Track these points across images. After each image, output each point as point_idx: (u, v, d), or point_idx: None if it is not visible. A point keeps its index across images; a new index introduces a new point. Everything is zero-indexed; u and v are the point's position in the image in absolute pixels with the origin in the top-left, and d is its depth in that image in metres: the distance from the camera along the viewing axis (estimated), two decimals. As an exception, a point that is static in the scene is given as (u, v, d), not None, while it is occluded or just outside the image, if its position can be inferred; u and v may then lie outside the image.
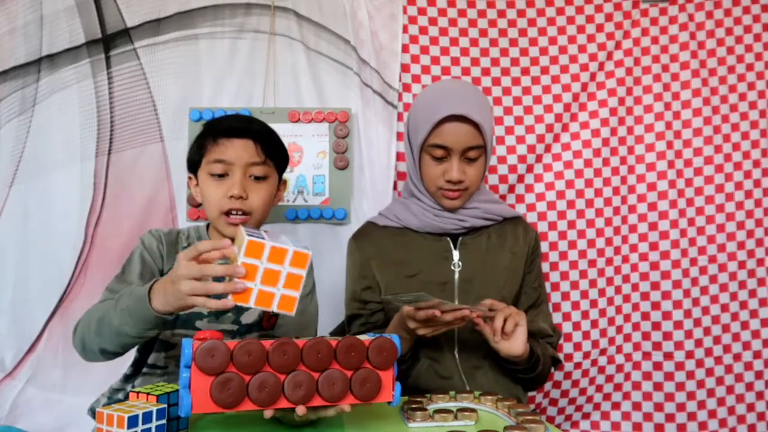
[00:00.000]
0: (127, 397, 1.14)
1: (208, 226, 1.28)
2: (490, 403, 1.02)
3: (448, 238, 1.32)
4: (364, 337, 0.87)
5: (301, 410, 0.82)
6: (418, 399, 1.02)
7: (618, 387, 1.80)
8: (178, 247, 1.23)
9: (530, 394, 1.70)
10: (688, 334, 1.76)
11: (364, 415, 0.98)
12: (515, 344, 1.14)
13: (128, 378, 1.23)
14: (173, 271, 0.91)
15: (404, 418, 0.95)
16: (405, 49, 1.78)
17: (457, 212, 1.31)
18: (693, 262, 1.77)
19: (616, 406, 1.80)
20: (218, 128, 1.22)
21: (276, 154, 1.25)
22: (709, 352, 1.76)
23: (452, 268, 1.29)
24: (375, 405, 0.88)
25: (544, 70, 1.80)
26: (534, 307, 1.34)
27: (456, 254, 1.30)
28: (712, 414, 1.76)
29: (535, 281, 1.36)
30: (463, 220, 1.31)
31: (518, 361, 1.19)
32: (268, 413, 0.82)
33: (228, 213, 1.19)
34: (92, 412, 1.24)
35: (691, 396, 1.75)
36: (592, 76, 1.80)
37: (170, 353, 1.21)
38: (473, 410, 0.96)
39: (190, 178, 1.28)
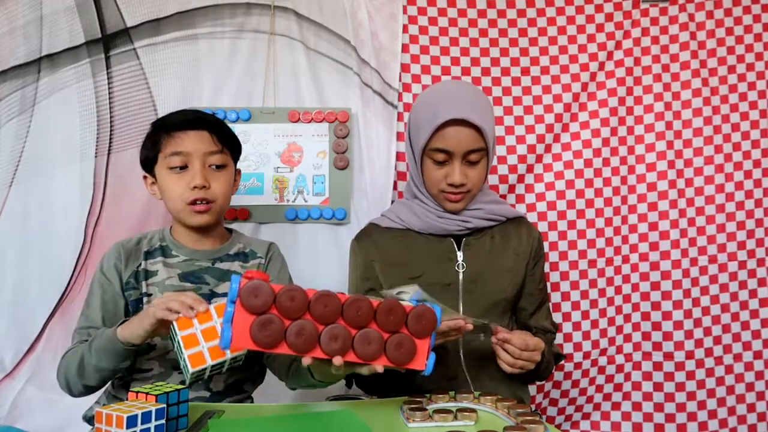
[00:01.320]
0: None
1: (170, 228, 1.30)
2: (490, 403, 1.02)
3: (452, 239, 1.31)
4: (406, 303, 0.88)
5: (338, 361, 0.83)
6: (418, 399, 1.02)
7: (618, 387, 1.80)
8: (139, 252, 1.25)
9: (531, 393, 1.70)
10: (689, 335, 1.76)
11: (364, 414, 0.98)
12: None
13: (120, 387, 1.23)
14: (162, 300, 1.02)
15: (404, 418, 0.95)
16: (405, 49, 1.78)
17: (460, 213, 1.31)
18: (693, 262, 1.77)
19: (616, 406, 1.80)
20: (171, 123, 1.23)
21: (230, 143, 1.27)
22: (709, 352, 1.76)
23: (456, 269, 1.29)
24: (378, 401, 0.88)
25: (544, 70, 1.80)
26: (538, 308, 1.35)
27: (460, 255, 1.30)
28: (712, 414, 1.75)
29: (540, 282, 1.36)
30: (466, 221, 1.30)
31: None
32: (306, 360, 0.83)
33: (192, 203, 1.21)
34: (86, 419, 1.25)
35: (691, 396, 1.75)
36: (593, 76, 1.80)
37: (152, 355, 1.20)
38: (473, 410, 0.96)
39: (145, 177, 1.29)
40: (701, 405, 1.75)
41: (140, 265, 1.24)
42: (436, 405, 1.02)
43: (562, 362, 1.44)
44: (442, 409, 0.98)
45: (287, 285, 0.83)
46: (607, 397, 1.80)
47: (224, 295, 1.24)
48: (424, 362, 0.87)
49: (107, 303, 1.21)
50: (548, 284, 1.75)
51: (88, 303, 1.23)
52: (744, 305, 1.77)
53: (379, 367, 0.85)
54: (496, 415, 1.00)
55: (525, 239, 1.34)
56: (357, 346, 0.83)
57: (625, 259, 1.79)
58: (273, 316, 0.81)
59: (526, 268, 1.33)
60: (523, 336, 1.13)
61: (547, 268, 1.77)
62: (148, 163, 1.26)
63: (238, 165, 1.34)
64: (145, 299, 1.22)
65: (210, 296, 1.24)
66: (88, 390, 1.16)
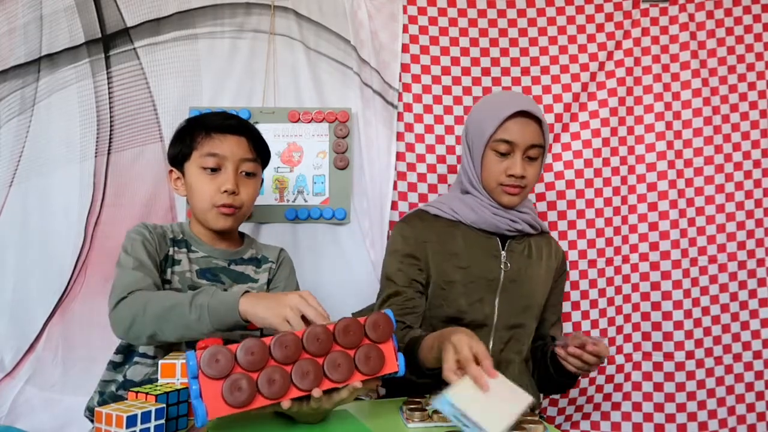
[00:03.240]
0: (118, 389, 1.15)
1: (189, 222, 1.32)
2: None
3: (497, 238, 1.36)
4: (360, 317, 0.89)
5: (317, 392, 0.82)
6: (417, 399, 1.02)
7: (618, 387, 1.80)
8: (166, 238, 1.25)
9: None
10: (689, 335, 1.76)
11: (363, 415, 0.98)
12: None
13: (117, 366, 1.23)
14: (289, 295, 0.96)
15: (403, 418, 0.95)
16: (405, 49, 1.78)
17: (511, 213, 1.36)
18: (693, 262, 1.77)
19: (616, 406, 1.80)
20: (212, 124, 1.24)
21: (263, 153, 1.30)
22: (709, 352, 1.76)
23: (500, 267, 1.34)
24: (378, 401, 0.88)
25: (544, 70, 1.80)
26: (558, 321, 1.47)
27: (504, 254, 1.35)
28: (712, 414, 1.75)
29: (560, 296, 1.47)
30: (515, 221, 1.35)
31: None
32: (285, 404, 0.82)
33: (220, 206, 1.22)
34: (89, 411, 1.25)
35: (691, 396, 1.75)
36: (593, 76, 1.80)
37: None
38: None
39: (171, 171, 1.30)
40: (701, 405, 1.75)
41: (169, 251, 1.24)
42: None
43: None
44: None
45: (243, 341, 0.82)
46: (607, 397, 1.80)
47: None
48: (395, 364, 0.88)
49: (151, 255, 1.18)
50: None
51: (132, 252, 1.16)
52: (744, 305, 1.77)
53: (357, 383, 0.86)
54: None
55: (554, 254, 1.43)
56: (329, 373, 0.84)
57: (625, 259, 1.79)
58: (239, 375, 0.80)
59: (551, 281, 1.42)
60: (596, 348, 1.16)
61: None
62: (179, 158, 1.26)
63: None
64: (166, 287, 1.21)
65: None
66: (150, 338, 1.07)
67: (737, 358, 1.77)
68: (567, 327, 1.77)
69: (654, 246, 1.78)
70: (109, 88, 1.74)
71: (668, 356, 1.76)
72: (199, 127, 1.24)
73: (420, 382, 1.13)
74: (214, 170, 1.22)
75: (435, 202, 1.43)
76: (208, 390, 0.79)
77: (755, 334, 1.77)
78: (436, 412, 0.95)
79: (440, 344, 1.01)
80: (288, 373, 0.82)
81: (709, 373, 1.76)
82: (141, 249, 1.17)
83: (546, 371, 1.33)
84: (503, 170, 1.31)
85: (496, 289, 1.33)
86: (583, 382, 1.77)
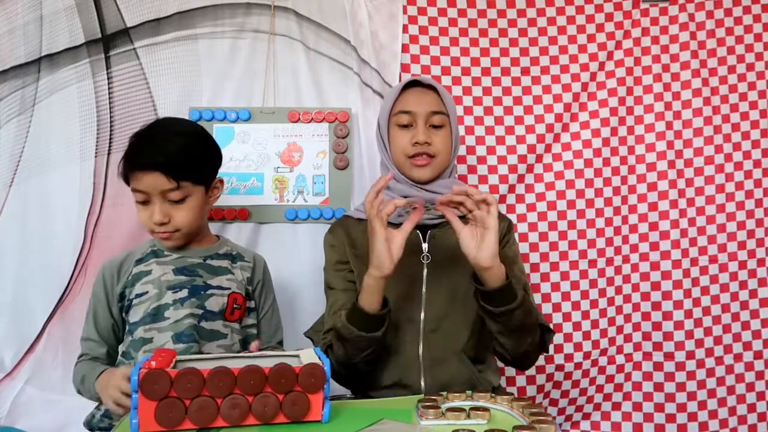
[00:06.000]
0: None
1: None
2: (506, 402, 1.03)
3: (418, 231, 1.31)
4: (297, 364, 0.95)
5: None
6: (434, 397, 1.03)
7: (618, 387, 1.80)
8: (129, 263, 1.31)
9: (526, 385, 1.70)
10: (689, 335, 1.76)
11: (377, 412, 1.00)
12: (484, 251, 1.13)
13: None
14: (116, 386, 1.13)
15: (417, 415, 0.96)
16: (405, 49, 1.78)
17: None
18: (694, 262, 1.77)
19: (616, 406, 1.80)
20: (132, 162, 1.24)
21: (191, 174, 1.25)
22: (709, 352, 1.76)
23: (421, 260, 1.31)
24: (391, 399, 0.99)
25: (544, 70, 1.80)
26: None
27: (425, 246, 1.31)
28: (712, 414, 1.75)
29: (515, 267, 1.33)
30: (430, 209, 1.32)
31: (492, 289, 1.15)
32: None
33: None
34: (87, 425, 1.29)
35: (691, 396, 1.75)
36: (593, 76, 1.80)
37: (147, 347, 1.25)
38: (486, 409, 0.96)
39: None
40: (702, 405, 1.75)
41: (131, 273, 1.29)
42: (451, 404, 1.03)
43: (552, 340, 1.33)
44: (455, 407, 0.98)
45: (183, 369, 0.90)
46: (607, 397, 1.80)
47: (218, 287, 1.30)
48: (320, 413, 0.95)
49: (99, 322, 1.30)
50: (548, 285, 1.76)
51: (87, 317, 1.32)
52: (744, 305, 1.77)
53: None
54: (510, 414, 1.00)
55: None
56: (255, 411, 0.92)
57: (626, 259, 1.79)
58: (174, 399, 0.89)
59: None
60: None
61: (547, 268, 1.77)
62: (123, 178, 1.29)
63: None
64: (135, 300, 1.26)
65: (204, 288, 1.29)
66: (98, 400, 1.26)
67: (738, 358, 1.77)
68: (567, 327, 1.77)
69: (654, 246, 1.78)
70: (109, 88, 1.74)
71: (669, 356, 1.76)
72: (127, 160, 1.25)
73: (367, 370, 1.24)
74: (145, 203, 1.25)
75: (360, 206, 1.42)
76: (143, 406, 0.88)
77: (756, 334, 1.77)
78: (450, 410, 0.96)
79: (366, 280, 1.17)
80: (218, 404, 0.90)
81: (710, 373, 1.76)
82: (90, 309, 1.32)
83: (485, 314, 1.21)
84: (408, 141, 1.32)
85: (420, 283, 1.29)
86: (583, 382, 1.77)
